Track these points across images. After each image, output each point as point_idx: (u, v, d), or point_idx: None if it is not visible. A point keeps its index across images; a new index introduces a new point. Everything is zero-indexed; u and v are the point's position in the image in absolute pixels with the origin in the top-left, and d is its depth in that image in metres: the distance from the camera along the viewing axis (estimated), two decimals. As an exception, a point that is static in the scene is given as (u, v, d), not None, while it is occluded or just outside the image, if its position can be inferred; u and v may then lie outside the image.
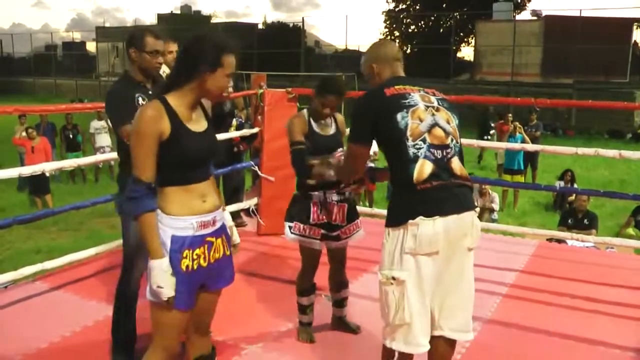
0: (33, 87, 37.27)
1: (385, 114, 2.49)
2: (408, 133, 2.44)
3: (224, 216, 2.49)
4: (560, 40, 23.61)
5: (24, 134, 11.66)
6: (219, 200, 2.45)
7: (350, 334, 3.61)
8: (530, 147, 6.86)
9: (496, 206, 9.62)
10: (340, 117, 3.56)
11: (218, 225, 2.39)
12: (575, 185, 9.86)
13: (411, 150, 2.43)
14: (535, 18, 27.61)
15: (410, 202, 2.43)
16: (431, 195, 2.43)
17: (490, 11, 28.62)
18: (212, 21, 43.36)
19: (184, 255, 2.27)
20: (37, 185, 9.85)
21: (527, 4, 34.39)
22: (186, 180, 2.30)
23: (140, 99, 3.05)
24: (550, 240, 6.25)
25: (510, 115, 12.10)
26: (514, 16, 29.54)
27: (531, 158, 11.03)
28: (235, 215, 5.86)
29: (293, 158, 3.36)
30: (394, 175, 2.54)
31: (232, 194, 5.94)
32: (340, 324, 3.67)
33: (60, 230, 8.52)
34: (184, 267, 2.27)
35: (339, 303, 3.63)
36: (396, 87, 2.56)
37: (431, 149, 2.44)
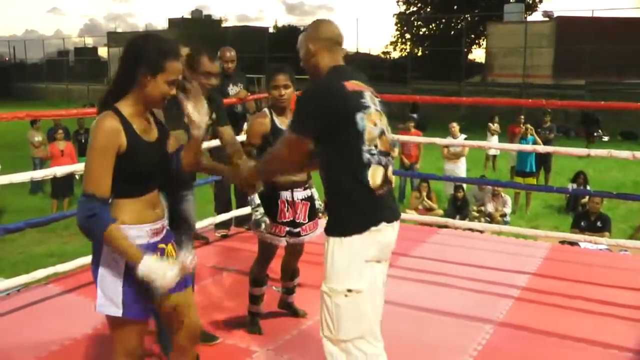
0: (45, 93, 37.53)
1: (345, 111, 2.31)
2: (365, 136, 2.32)
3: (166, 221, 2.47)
4: (572, 41, 23.50)
5: (39, 138, 11.76)
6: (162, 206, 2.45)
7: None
8: (543, 148, 6.81)
9: (508, 209, 9.57)
10: None
11: (165, 231, 2.41)
12: (588, 188, 9.79)
13: (365, 155, 2.32)
14: (546, 19, 27.47)
15: (371, 208, 2.34)
16: (385, 202, 2.41)
17: (501, 13, 28.54)
18: (222, 25, 43.52)
19: None
20: (60, 188, 9.96)
21: (539, 5, 34.24)
22: (141, 191, 2.28)
23: None
24: (562, 242, 6.22)
25: (522, 117, 12.05)
26: (525, 17, 29.43)
27: (544, 160, 10.97)
28: (246, 218, 5.87)
29: None
30: (339, 178, 2.35)
31: (243, 197, 5.94)
32: (288, 308, 3.86)
33: (72, 235, 8.55)
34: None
35: (290, 290, 3.81)
36: (353, 81, 2.40)
37: (381, 156, 2.37)
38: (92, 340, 3.53)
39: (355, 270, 2.30)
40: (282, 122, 3.42)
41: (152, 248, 2.29)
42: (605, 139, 18.36)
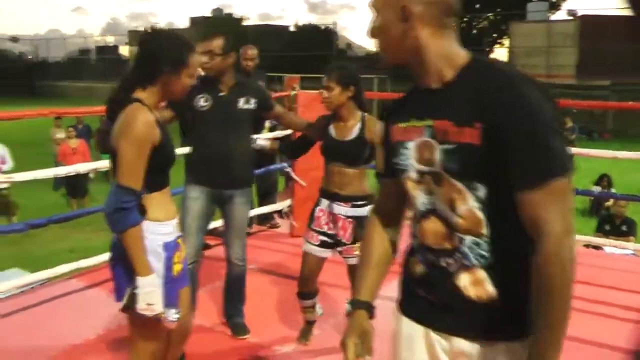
0: (67, 91, 37.92)
1: None
2: None
3: None
4: (597, 41, 23.22)
5: (61, 135, 11.86)
6: None
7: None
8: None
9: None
10: (372, 120, 3.11)
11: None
12: (613, 190, 9.63)
13: None
14: (570, 18, 27.16)
15: None
16: None
17: (524, 11, 28.30)
18: (243, 23, 43.71)
19: (174, 260, 2.26)
20: (74, 187, 9.98)
21: (562, 4, 33.89)
22: (166, 183, 2.30)
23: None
24: (587, 246, 6.12)
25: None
26: (549, 16, 29.14)
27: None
28: (268, 216, 5.88)
29: None
30: (516, 242, 1.38)
31: (265, 195, 5.95)
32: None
33: (94, 231, 8.61)
34: (175, 273, 2.26)
35: None
36: None
37: None
38: (115, 335, 3.54)
39: None
40: (335, 130, 3.16)
41: (178, 243, 2.32)
42: None
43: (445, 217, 1.45)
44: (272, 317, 3.86)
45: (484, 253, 1.42)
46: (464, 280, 1.44)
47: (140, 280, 2.13)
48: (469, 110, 1.37)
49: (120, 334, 3.55)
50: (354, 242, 3.16)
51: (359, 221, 3.11)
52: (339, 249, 3.22)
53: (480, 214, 1.40)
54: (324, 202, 3.22)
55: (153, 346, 2.33)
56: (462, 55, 1.45)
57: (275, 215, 5.99)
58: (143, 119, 2.12)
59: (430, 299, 1.51)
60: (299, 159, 5.43)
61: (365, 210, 3.11)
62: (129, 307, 2.20)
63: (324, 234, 3.23)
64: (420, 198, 1.50)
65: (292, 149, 3.68)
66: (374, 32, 1.50)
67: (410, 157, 1.49)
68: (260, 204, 5.84)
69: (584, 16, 26.13)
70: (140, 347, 2.33)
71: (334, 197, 3.17)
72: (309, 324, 3.54)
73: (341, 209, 3.16)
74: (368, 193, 3.17)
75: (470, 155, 1.36)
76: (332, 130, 3.17)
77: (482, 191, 1.39)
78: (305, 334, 3.53)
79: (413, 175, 1.50)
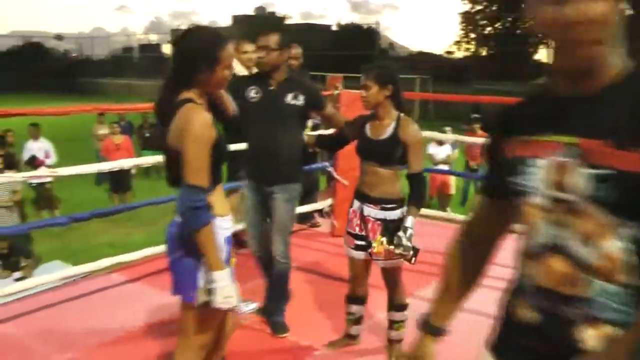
0: (108, 88, 38.55)
1: None
2: None
3: None
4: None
5: (103, 131, 12.04)
6: None
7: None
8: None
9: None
10: (407, 121, 3.06)
11: None
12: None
13: None
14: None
15: None
16: None
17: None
18: (285, 22, 43.95)
19: (232, 254, 2.33)
20: (117, 182, 10.11)
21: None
22: (220, 179, 2.33)
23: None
24: None
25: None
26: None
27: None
28: (308, 215, 5.83)
29: None
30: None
31: (305, 194, 5.90)
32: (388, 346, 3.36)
33: (135, 226, 8.72)
34: (232, 265, 2.34)
35: (389, 324, 3.31)
36: None
37: None
38: (154, 327, 3.56)
39: None
40: (370, 129, 3.11)
41: (232, 238, 2.36)
42: None
43: (576, 255, 1.17)
44: (311, 316, 3.81)
45: (621, 307, 1.14)
46: (587, 335, 1.17)
47: (216, 275, 2.18)
48: (633, 128, 1.09)
49: (160, 326, 3.57)
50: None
51: (386, 224, 3.08)
52: (369, 250, 3.15)
53: (626, 257, 1.12)
54: (356, 204, 3.18)
55: (205, 339, 2.37)
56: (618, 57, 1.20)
57: (316, 215, 5.94)
58: (202, 119, 2.16)
59: (538, 351, 1.25)
60: (341, 159, 5.38)
61: (394, 214, 3.08)
62: (205, 303, 2.23)
63: (356, 236, 3.18)
64: (542, 229, 1.22)
65: (329, 143, 3.66)
66: (591, 20, 1.13)
67: (538, 179, 1.21)
68: (301, 203, 5.79)
69: (634, 14, 25.45)
70: (192, 339, 2.35)
71: (364, 199, 3.13)
72: (349, 337, 3.43)
73: (371, 211, 3.11)
74: (399, 196, 3.11)
75: (630, 185, 1.08)
76: (367, 129, 3.14)
77: (635, 230, 1.11)
78: (335, 343, 3.42)
79: (539, 200, 1.22)
